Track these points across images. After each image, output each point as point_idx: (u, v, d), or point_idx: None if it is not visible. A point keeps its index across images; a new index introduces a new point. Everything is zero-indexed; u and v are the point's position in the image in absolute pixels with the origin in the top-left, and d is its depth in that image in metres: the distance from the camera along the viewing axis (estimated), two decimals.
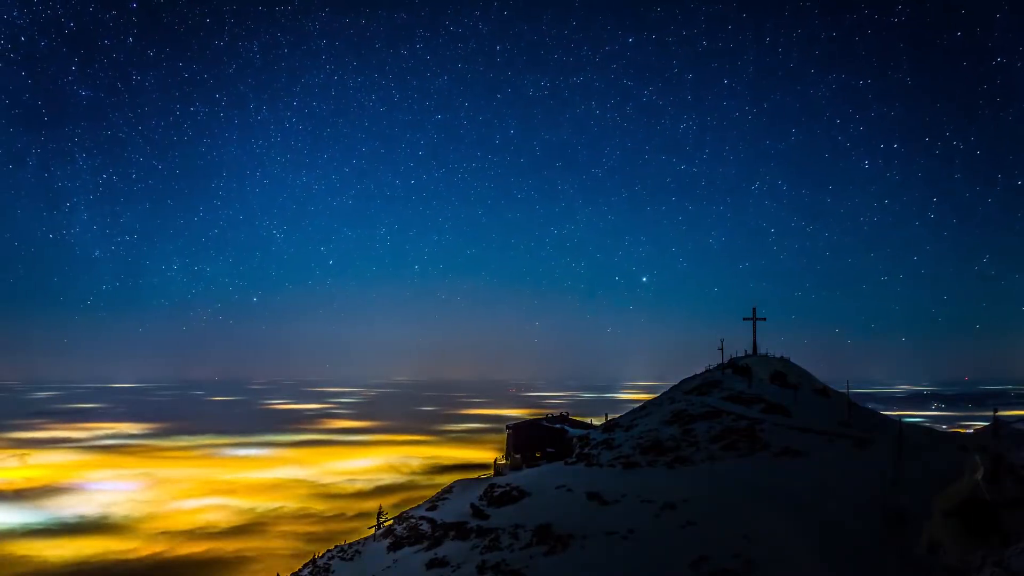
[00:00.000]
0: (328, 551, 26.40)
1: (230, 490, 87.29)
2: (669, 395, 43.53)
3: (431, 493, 33.75)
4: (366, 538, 26.43)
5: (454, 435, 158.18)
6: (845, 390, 42.23)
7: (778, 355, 47.36)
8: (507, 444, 46.81)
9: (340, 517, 73.17)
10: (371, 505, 59.77)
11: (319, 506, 79.12)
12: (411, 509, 28.88)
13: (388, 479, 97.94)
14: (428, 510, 26.49)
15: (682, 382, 46.60)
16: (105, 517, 72.68)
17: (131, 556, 58.94)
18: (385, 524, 28.30)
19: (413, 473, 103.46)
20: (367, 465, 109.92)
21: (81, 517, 72.52)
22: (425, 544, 21.80)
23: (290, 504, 79.34)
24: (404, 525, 24.78)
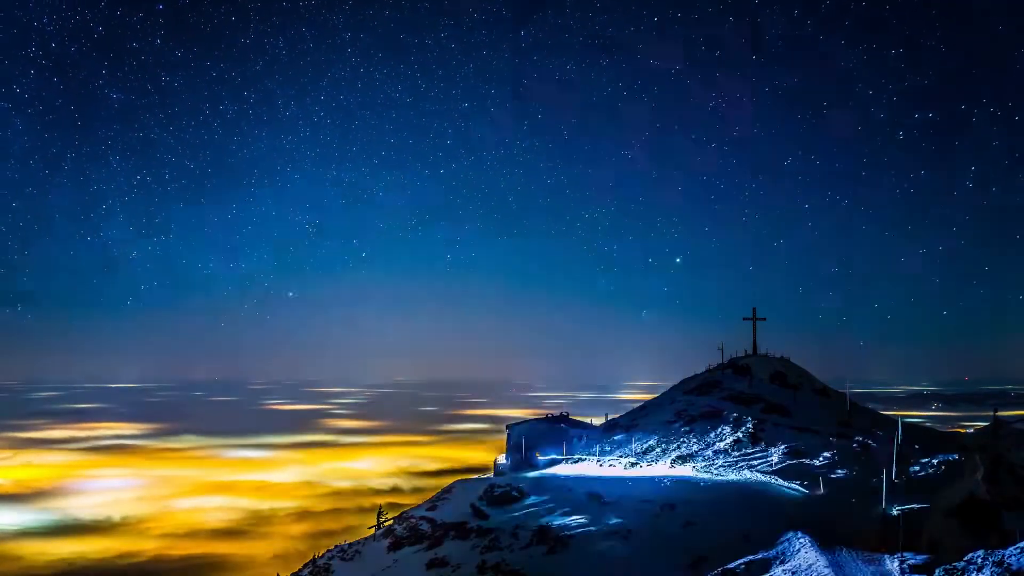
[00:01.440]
0: (328, 551, 26.38)
1: (230, 490, 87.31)
2: (669, 395, 43.52)
3: (431, 493, 33.72)
4: (366, 538, 26.42)
5: (454, 435, 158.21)
6: (845, 390, 42.23)
7: (778, 355, 47.31)
8: (507, 444, 46.79)
9: (340, 517, 73.16)
10: (371, 505, 59.78)
11: (319, 506, 79.09)
12: (411, 509, 28.86)
13: (388, 479, 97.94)
14: (428, 510, 26.49)
15: (682, 382, 46.57)
16: (105, 517, 72.67)
17: (131, 556, 58.94)
18: (385, 524, 28.28)
19: (413, 473, 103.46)
20: (367, 465, 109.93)
21: (81, 517, 72.53)
22: (425, 544, 21.81)
23: (290, 504, 79.32)
24: (404, 525, 24.78)
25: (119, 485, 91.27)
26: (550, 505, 22.31)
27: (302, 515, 75.04)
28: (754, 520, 17.07)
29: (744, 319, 49.78)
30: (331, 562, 24.23)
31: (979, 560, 11.82)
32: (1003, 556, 11.31)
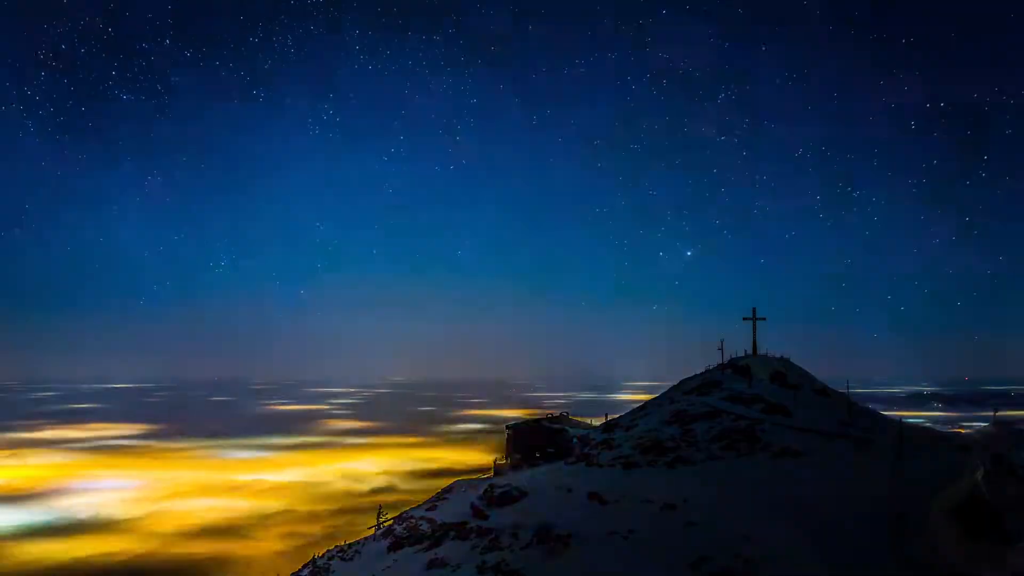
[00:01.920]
0: (328, 551, 26.39)
1: (229, 491, 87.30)
2: (669, 395, 43.55)
3: (431, 493, 33.77)
4: (366, 538, 26.42)
5: (454, 436, 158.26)
6: (845, 390, 42.23)
7: (778, 355, 47.34)
8: (507, 444, 46.88)
9: (340, 517, 73.14)
10: (371, 505, 59.75)
11: (319, 506, 79.08)
12: (411, 509, 28.87)
13: (387, 480, 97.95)
14: (428, 510, 26.48)
15: (682, 382, 46.60)
16: (104, 517, 72.65)
17: (130, 556, 58.91)
18: (385, 524, 28.27)
19: (413, 473, 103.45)
20: (367, 466, 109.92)
21: (81, 517, 72.50)
22: (425, 544, 21.77)
23: (289, 505, 79.33)
24: (404, 525, 24.77)
25: (119, 485, 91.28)
26: (550, 505, 22.28)
27: (302, 515, 75.03)
28: (755, 520, 17.05)
29: (744, 319, 49.86)
30: (331, 562, 24.22)
31: (980, 560, 11.75)
32: (1004, 556, 11.27)
